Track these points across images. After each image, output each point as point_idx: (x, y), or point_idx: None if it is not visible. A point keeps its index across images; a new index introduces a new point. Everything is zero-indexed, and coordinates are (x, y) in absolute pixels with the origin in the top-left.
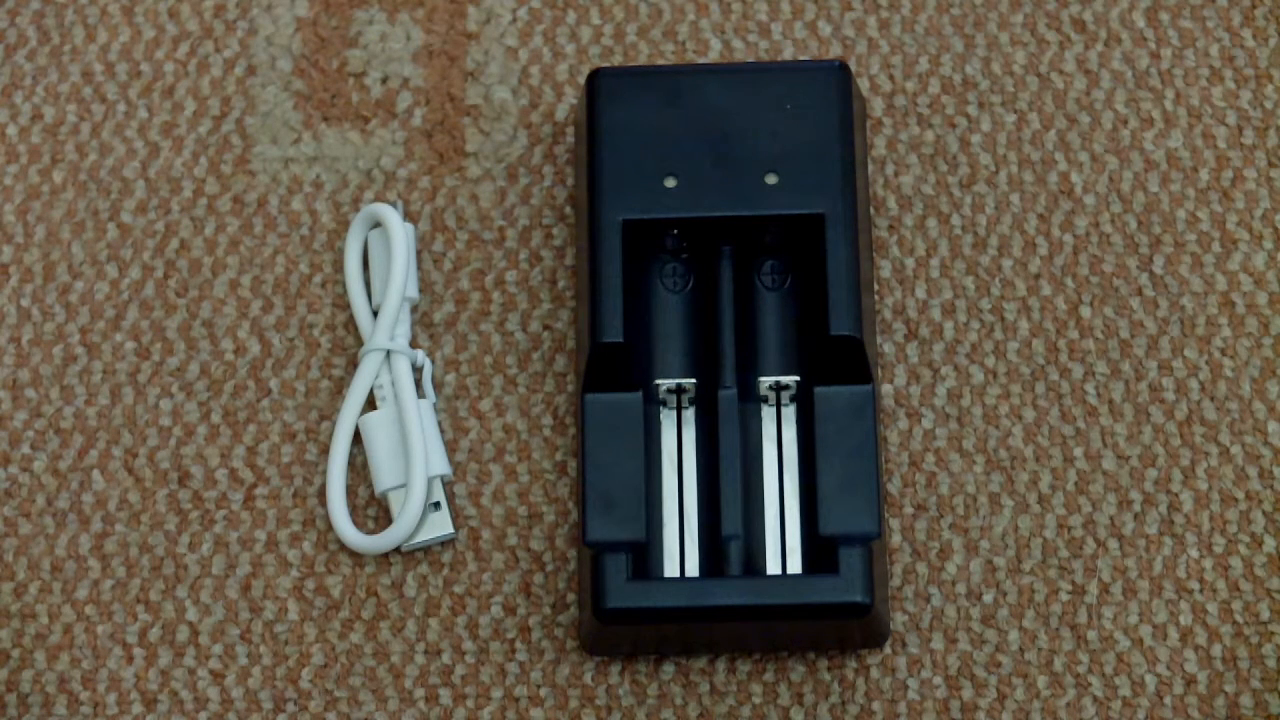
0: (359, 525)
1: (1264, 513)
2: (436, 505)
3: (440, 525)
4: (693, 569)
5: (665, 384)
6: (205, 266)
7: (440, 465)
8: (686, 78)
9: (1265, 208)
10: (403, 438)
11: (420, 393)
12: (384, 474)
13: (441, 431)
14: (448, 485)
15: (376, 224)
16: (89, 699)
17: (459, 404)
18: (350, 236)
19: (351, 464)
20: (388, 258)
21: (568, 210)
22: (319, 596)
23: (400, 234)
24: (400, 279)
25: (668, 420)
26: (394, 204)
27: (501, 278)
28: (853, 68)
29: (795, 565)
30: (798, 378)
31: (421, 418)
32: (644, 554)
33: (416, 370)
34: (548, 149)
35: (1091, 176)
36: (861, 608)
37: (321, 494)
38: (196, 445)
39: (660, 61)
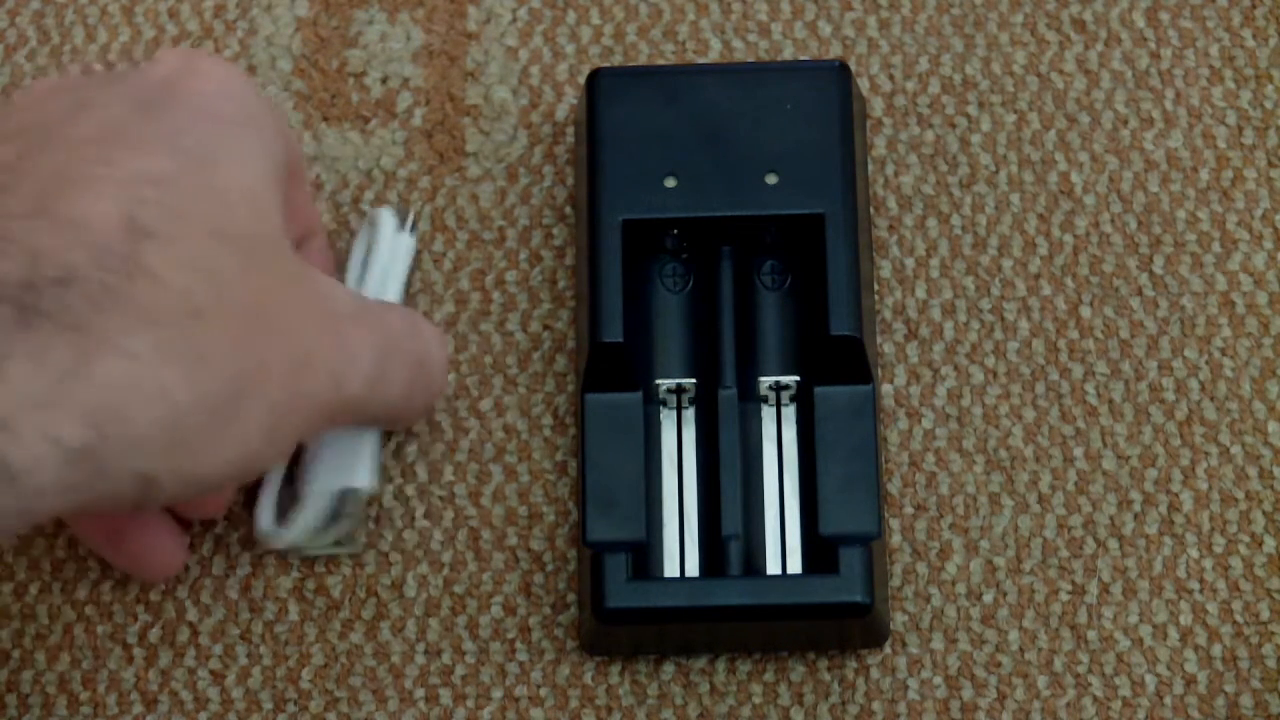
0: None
1: (1264, 513)
2: (346, 517)
3: (346, 540)
4: (693, 569)
5: (665, 384)
6: None
7: (360, 479)
8: (686, 78)
9: (1265, 208)
10: (333, 443)
11: None
12: (307, 477)
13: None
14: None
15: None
16: (89, 699)
17: (459, 404)
18: (357, 241)
19: None
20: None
21: (568, 210)
22: (319, 596)
23: (387, 242)
24: (376, 284)
25: (668, 420)
26: (403, 210)
27: (501, 278)
28: (853, 68)
29: (795, 565)
30: (798, 378)
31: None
32: (644, 554)
33: None
34: (548, 149)
35: (1091, 176)
36: (861, 608)
37: None
38: None
39: (660, 61)
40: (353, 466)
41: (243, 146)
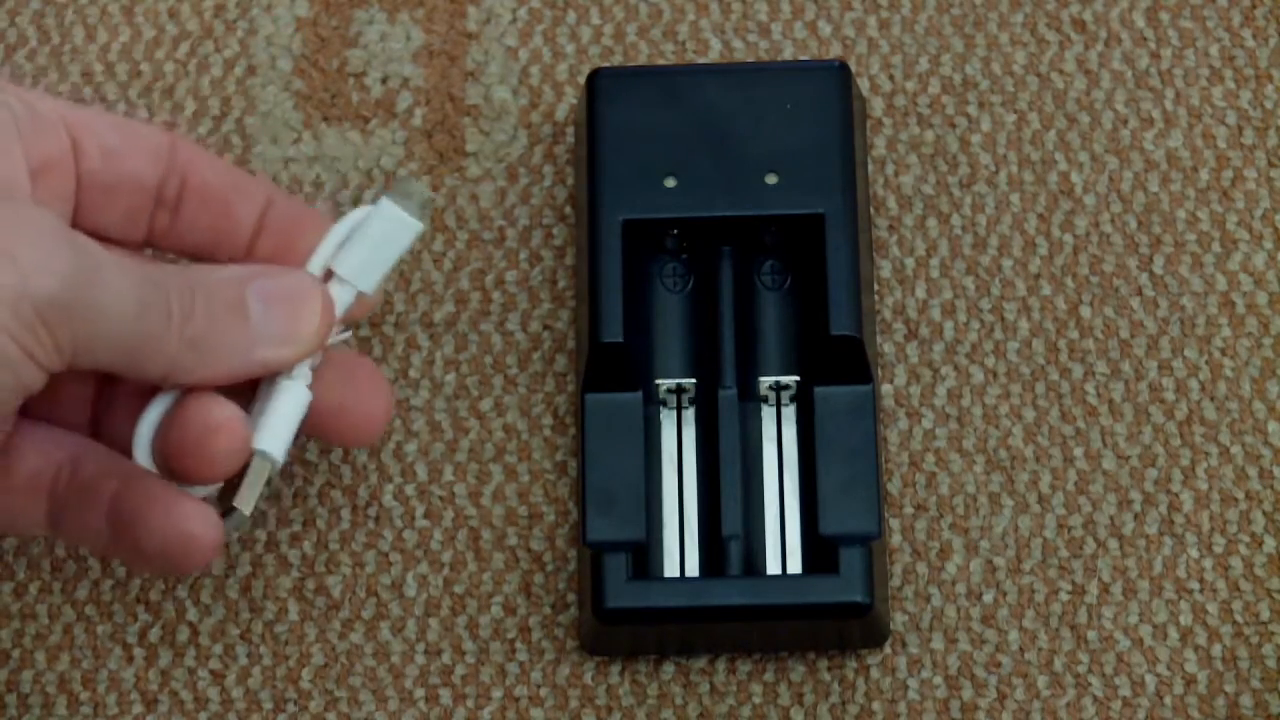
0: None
1: (1264, 513)
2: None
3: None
4: (693, 569)
5: (665, 384)
6: None
7: (266, 442)
8: (686, 78)
9: (1265, 208)
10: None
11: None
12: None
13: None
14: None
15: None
16: (89, 699)
17: (459, 404)
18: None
19: None
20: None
21: (568, 210)
22: (319, 596)
23: (370, 223)
24: (361, 259)
25: (668, 420)
26: (420, 196)
27: (501, 278)
28: (853, 68)
29: (795, 565)
30: (798, 378)
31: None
32: (644, 554)
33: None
34: (548, 149)
35: (1091, 176)
36: (861, 608)
37: (322, 494)
38: None
39: (660, 61)
40: (262, 427)
41: None
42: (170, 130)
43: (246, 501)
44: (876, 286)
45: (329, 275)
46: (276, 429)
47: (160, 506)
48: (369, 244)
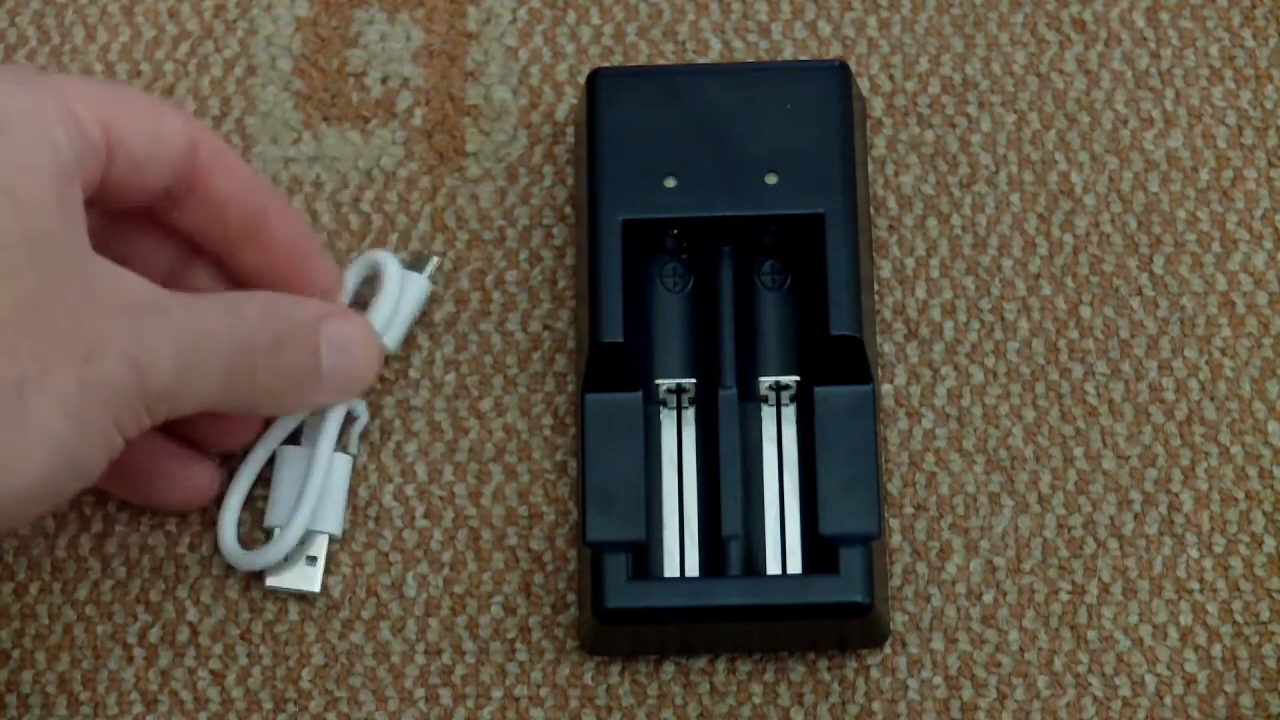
0: (247, 542)
1: (1264, 513)
2: (313, 560)
3: (307, 580)
4: (693, 569)
5: (665, 384)
6: None
7: (329, 523)
8: (686, 78)
9: (1265, 208)
10: (304, 481)
11: (344, 444)
12: (278, 509)
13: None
14: (334, 546)
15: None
16: (89, 699)
17: (459, 404)
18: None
19: None
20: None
21: (568, 210)
22: (319, 596)
23: (395, 283)
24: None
25: (668, 420)
26: (419, 256)
27: (501, 278)
28: (853, 68)
29: (795, 565)
30: (798, 378)
31: (330, 471)
32: (644, 554)
33: (351, 420)
34: (548, 149)
35: (1091, 176)
36: (861, 608)
37: None
38: None
39: (660, 61)
40: (323, 510)
41: None
42: (195, 130)
43: (314, 580)
44: (876, 286)
45: None
46: (336, 507)
47: (174, 460)
48: (398, 310)
